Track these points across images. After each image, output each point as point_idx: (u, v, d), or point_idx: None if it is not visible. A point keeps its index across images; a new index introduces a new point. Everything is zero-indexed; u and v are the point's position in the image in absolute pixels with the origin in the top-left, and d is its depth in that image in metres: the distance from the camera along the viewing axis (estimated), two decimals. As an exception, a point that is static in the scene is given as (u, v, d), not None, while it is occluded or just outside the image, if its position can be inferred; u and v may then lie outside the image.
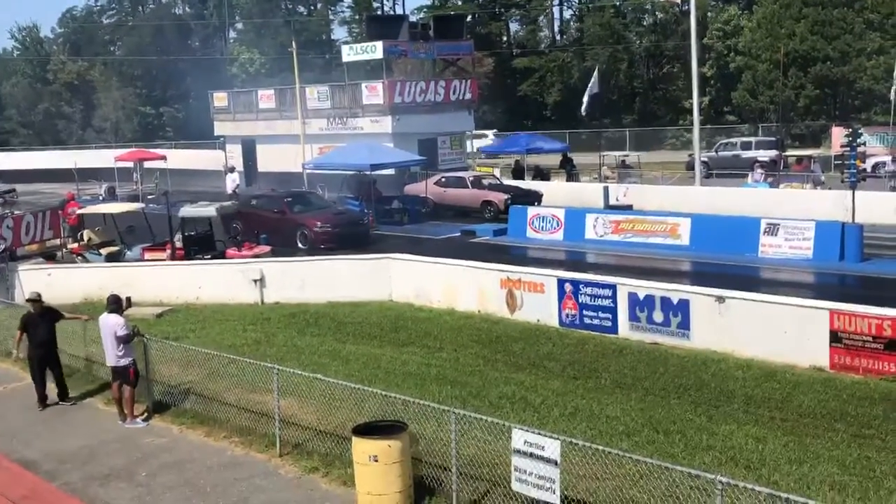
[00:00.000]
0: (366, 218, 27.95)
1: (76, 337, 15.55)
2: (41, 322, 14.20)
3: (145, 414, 13.43)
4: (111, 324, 13.10)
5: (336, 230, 26.11)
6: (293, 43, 41.56)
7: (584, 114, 36.34)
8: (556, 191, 32.91)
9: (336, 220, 26.62)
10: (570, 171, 38.54)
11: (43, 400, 14.25)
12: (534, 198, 30.63)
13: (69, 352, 15.54)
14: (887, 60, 42.04)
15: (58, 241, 24.62)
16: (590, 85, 36.07)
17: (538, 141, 40.70)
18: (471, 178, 32.51)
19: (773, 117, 48.03)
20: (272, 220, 26.84)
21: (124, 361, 13.15)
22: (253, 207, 28.12)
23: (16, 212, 28.46)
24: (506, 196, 30.23)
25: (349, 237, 25.88)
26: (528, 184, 34.07)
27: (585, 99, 36.04)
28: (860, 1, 46.70)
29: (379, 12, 75.61)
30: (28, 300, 14.74)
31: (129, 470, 11.54)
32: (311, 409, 12.07)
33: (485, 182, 32.37)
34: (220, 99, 46.31)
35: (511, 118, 65.47)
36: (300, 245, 26.11)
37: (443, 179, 32.71)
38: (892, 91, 38.84)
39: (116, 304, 13.37)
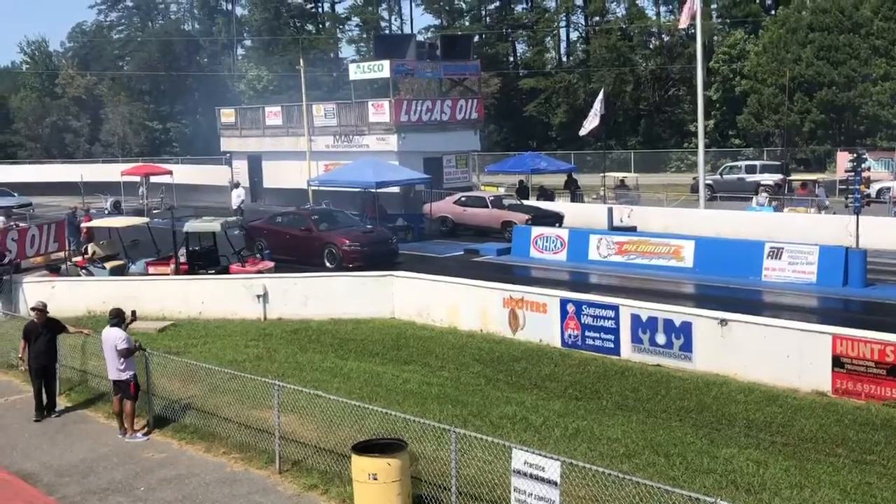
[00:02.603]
0: (393, 237, 27.26)
1: (76, 350, 15.57)
2: (42, 332, 14.27)
3: (145, 428, 13.42)
4: (112, 337, 13.13)
5: (365, 248, 25.27)
6: (301, 61, 41.77)
7: (587, 134, 36.40)
8: (560, 211, 32.85)
9: (365, 239, 25.75)
10: (575, 192, 38.61)
11: (40, 410, 14.29)
12: (555, 219, 30.19)
13: (70, 365, 15.57)
14: (893, 86, 42.16)
15: (62, 254, 24.68)
16: (596, 107, 36.16)
17: (543, 161, 40.77)
18: (491, 198, 32.03)
19: (778, 141, 48.12)
20: (298, 237, 26.27)
21: (125, 375, 13.16)
22: (278, 224, 27.58)
23: (21, 224, 28.54)
24: (527, 216, 29.66)
25: (378, 256, 25.02)
26: (549, 204, 33.84)
27: (595, 121, 36.04)
28: (866, 27, 46.81)
29: (387, 31, 76.04)
30: (32, 308, 14.78)
31: (127, 484, 11.52)
32: (312, 426, 12.06)
33: (505, 202, 31.82)
34: (227, 115, 46.53)
35: (517, 138, 65.64)
36: (327, 263, 25.23)
37: (463, 199, 32.36)
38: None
39: (118, 318, 13.39)
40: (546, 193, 37.82)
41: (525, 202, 33.55)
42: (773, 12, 59.37)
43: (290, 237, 26.48)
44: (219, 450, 12.42)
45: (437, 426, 10.17)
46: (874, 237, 24.50)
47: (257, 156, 44.25)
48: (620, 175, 39.32)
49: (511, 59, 75.12)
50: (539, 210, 31.34)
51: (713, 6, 62.16)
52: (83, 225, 27.34)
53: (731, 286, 22.10)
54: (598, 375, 15.51)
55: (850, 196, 22.94)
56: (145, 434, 13.27)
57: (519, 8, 75.28)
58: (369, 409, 11.00)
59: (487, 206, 31.19)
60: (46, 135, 73.66)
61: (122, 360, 13.10)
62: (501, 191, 38.24)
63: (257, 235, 27.14)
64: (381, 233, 27.21)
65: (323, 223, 26.78)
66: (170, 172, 43.50)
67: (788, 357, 14.53)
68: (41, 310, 14.47)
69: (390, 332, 19.03)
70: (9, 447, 13.08)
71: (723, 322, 15.39)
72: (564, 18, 74.37)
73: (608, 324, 16.73)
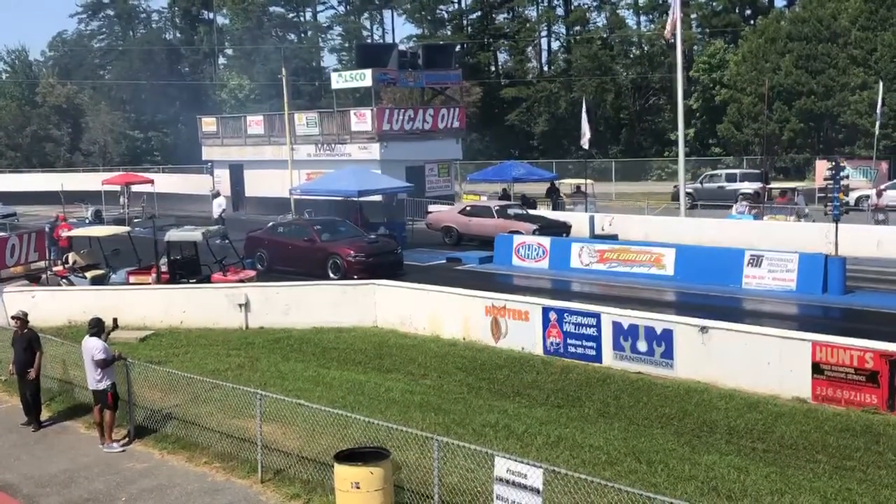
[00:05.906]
0: (398, 247, 26.84)
1: (57, 360, 15.47)
2: (19, 341, 14.27)
3: (126, 438, 13.35)
4: (91, 347, 13.05)
5: (370, 259, 24.84)
6: (283, 69, 41.78)
7: (587, 146, 36.73)
8: (567, 221, 32.52)
9: (370, 250, 25.28)
10: (556, 201, 38.75)
11: (28, 414, 14.31)
12: (563, 229, 29.77)
13: (50, 375, 15.46)
14: (870, 95, 42.52)
15: (42, 264, 24.50)
16: (583, 119, 36.49)
17: (525, 170, 40.84)
18: (496, 208, 31.35)
19: (758, 150, 48.42)
20: (301, 248, 25.85)
21: (103, 385, 13.08)
22: (280, 235, 27.19)
23: (0, 233, 28.32)
24: (534, 226, 29.14)
25: (382, 266, 24.41)
26: (556, 214, 33.61)
27: (587, 133, 36.24)
28: (844, 36, 47.25)
29: (369, 41, 76.12)
30: (11, 317, 14.73)
31: (108, 495, 11.45)
32: (294, 435, 12.03)
33: (511, 212, 31.20)
34: (208, 124, 46.45)
35: (498, 147, 65.80)
36: (331, 275, 24.71)
37: (468, 208, 32.04)
38: (876, 125, 39.39)
39: (98, 328, 13.30)
40: (528, 202, 37.93)
41: (531, 212, 32.98)
42: (752, 22, 59.87)
43: (293, 248, 26.11)
44: (201, 459, 12.36)
45: (419, 434, 10.17)
46: (853, 245, 24.70)
47: (239, 165, 44.18)
48: (576, 182, 39.45)
49: (493, 68, 75.38)
50: (546, 220, 30.84)
51: (693, 16, 62.65)
52: (67, 234, 27.08)
53: (712, 294, 22.22)
54: (580, 383, 15.55)
55: (829, 204, 23.16)
56: (126, 444, 13.19)
57: (500, 18, 75.58)
58: (352, 418, 10.99)
59: (493, 217, 30.49)
60: (27, 144, 73.15)
61: (99, 370, 13.03)
62: (484, 199, 38.26)
63: (258, 246, 26.86)
64: (386, 243, 26.76)
65: (326, 233, 26.30)
66: (151, 181, 43.34)
67: (769, 364, 14.62)
68: (19, 318, 14.41)
69: (373, 341, 19.01)
70: (-12, 458, 12.99)
71: (703, 329, 15.47)
72: (546, 28, 74.73)
73: (590, 331, 16.78)
